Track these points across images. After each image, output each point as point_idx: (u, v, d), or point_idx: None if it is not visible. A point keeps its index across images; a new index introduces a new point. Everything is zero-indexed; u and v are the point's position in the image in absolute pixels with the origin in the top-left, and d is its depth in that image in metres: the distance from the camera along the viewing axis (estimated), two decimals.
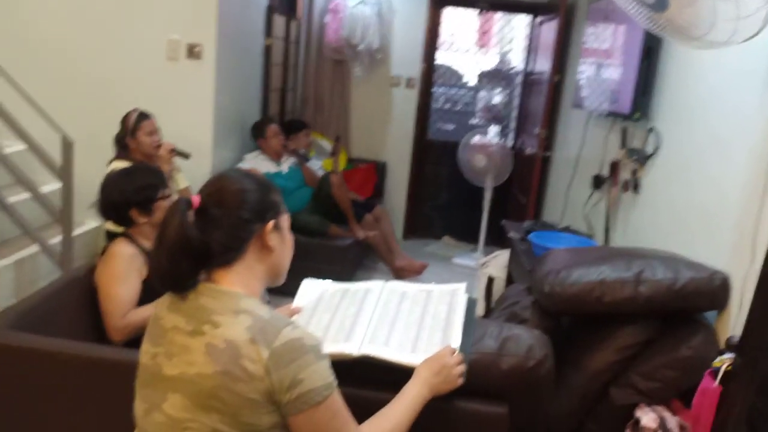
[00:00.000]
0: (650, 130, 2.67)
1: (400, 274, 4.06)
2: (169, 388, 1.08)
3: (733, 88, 2.03)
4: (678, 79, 2.53)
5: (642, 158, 2.70)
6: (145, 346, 1.16)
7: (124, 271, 1.85)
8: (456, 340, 1.40)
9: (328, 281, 1.63)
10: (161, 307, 1.17)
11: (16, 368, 1.52)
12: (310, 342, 1.08)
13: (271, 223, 1.17)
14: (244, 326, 1.06)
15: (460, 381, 1.32)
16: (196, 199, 1.12)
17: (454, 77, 6.57)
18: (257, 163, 3.79)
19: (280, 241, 1.20)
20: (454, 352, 1.33)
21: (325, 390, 1.06)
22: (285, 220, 1.23)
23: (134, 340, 1.78)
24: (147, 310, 1.83)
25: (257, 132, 3.91)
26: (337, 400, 1.09)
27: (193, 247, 1.08)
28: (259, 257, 1.17)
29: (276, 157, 3.94)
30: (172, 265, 1.08)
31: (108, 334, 1.82)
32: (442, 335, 1.41)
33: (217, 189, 1.15)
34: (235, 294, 1.11)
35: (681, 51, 2.50)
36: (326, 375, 1.08)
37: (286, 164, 4.03)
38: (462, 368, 1.32)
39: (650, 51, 2.68)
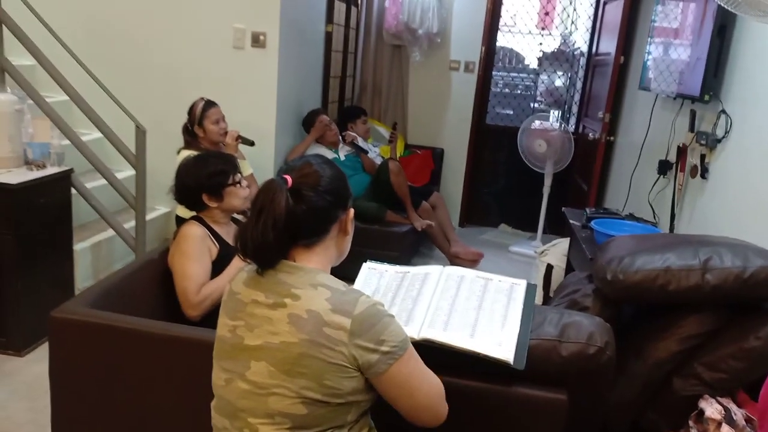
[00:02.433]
0: (721, 112, 2.56)
1: (455, 261, 4.07)
2: (252, 357, 1.14)
3: None
4: (752, 58, 2.41)
5: (712, 142, 2.60)
6: (223, 320, 1.23)
7: (197, 250, 1.95)
8: (515, 325, 1.40)
9: (388, 265, 1.66)
10: (237, 282, 1.23)
11: (96, 344, 1.61)
12: (381, 307, 1.16)
13: (352, 210, 1.27)
14: (323, 298, 1.13)
15: None
16: (289, 179, 1.17)
17: (514, 60, 6.44)
18: (314, 151, 3.86)
19: (353, 227, 1.30)
20: None
21: (405, 344, 1.16)
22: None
23: (206, 318, 1.88)
24: (219, 281, 1.93)
25: (308, 125, 3.96)
26: (413, 350, 1.19)
27: (293, 223, 1.15)
28: (336, 240, 1.26)
29: (332, 146, 4.00)
30: (275, 238, 1.14)
31: (184, 311, 1.91)
32: (501, 321, 1.42)
33: (309, 173, 1.20)
34: (311, 269, 1.19)
35: (756, 28, 2.38)
36: (401, 331, 1.17)
37: (343, 152, 4.08)
38: None
39: (723, 29, 2.56)
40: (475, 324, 1.41)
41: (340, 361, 1.10)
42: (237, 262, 1.99)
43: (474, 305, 1.47)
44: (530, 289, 1.53)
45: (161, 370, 1.60)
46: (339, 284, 1.18)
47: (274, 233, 1.14)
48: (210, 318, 1.82)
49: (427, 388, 1.20)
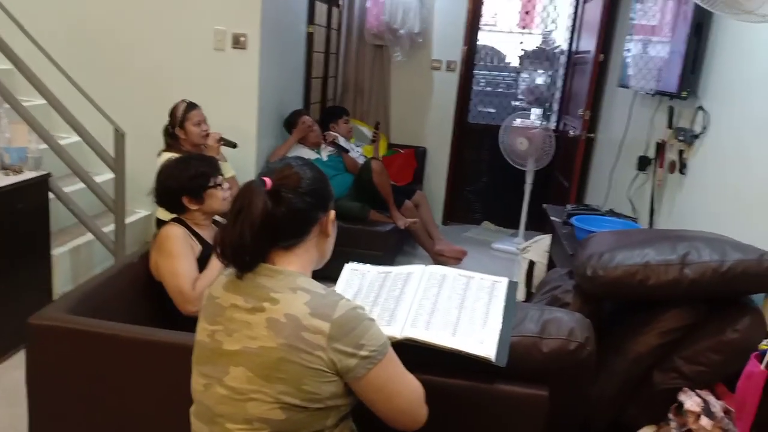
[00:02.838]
0: (699, 108, 2.59)
1: (439, 259, 4.08)
2: (230, 362, 1.14)
3: None
4: (729, 55, 2.45)
5: (689, 138, 2.63)
6: (202, 325, 1.22)
7: (181, 248, 1.95)
8: (497, 323, 1.41)
9: (370, 265, 1.66)
10: (216, 287, 1.22)
11: (75, 350, 1.59)
12: (361, 310, 1.16)
13: (333, 212, 1.26)
14: (302, 301, 1.12)
15: None
16: (268, 181, 1.17)
17: (495, 59, 6.48)
18: (296, 152, 3.85)
19: (334, 229, 1.29)
20: None
21: (384, 348, 1.16)
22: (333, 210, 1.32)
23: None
24: (211, 272, 1.93)
25: (290, 126, 3.95)
26: (393, 353, 1.19)
27: (270, 225, 1.15)
28: (317, 242, 1.26)
29: (314, 147, 3.99)
30: (252, 240, 1.14)
31: (182, 308, 1.90)
32: (483, 319, 1.42)
33: (288, 174, 1.20)
34: (291, 273, 1.18)
35: (733, 26, 2.41)
36: (381, 335, 1.17)
37: (325, 153, 4.07)
38: None
39: (700, 26, 2.60)
40: (457, 322, 1.42)
41: (318, 365, 1.10)
42: None
43: (456, 304, 1.48)
44: (511, 287, 1.54)
45: (142, 375, 1.59)
46: (318, 287, 1.17)
47: (252, 235, 1.13)
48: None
49: (406, 393, 1.20)
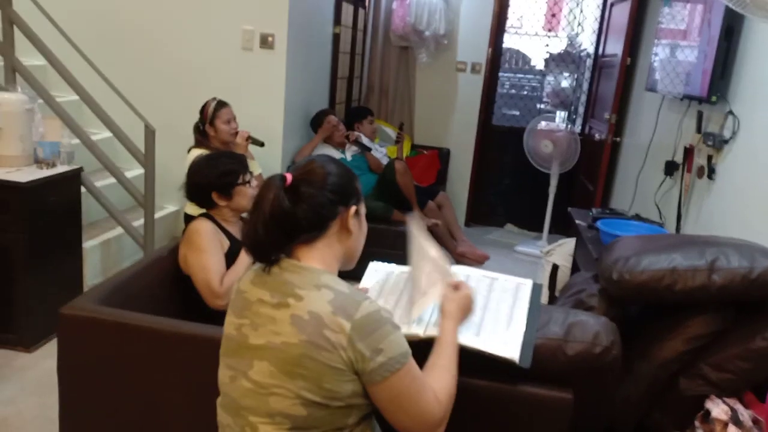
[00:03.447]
0: (728, 113, 2.56)
1: (461, 260, 4.08)
2: (255, 356, 1.15)
3: None
4: (760, 59, 2.41)
5: (719, 143, 2.59)
6: (230, 318, 1.24)
7: (210, 243, 1.98)
8: (521, 325, 1.41)
9: (394, 265, 1.67)
10: (245, 281, 1.24)
11: (105, 341, 1.63)
12: (386, 314, 1.15)
13: (353, 208, 1.25)
14: (326, 300, 1.13)
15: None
16: (288, 176, 1.20)
17: (521, 61, 6.45)
18: (321, 151, 3.87)
19: (358, 227, 1.29)
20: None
21: (403, 357, 1.13)
22: (363, 208, 1.32)
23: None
24: (238, 268, 1.97)
25: (316, 125, 3.98)
26: (414, 366, 1.16)
27: (284, 219, 1.16)
28: (339, 238, 1.25)
29: (340, 147, 4.02)
30: (265, 234, 1.16)
31: (210, 302, 1.94)
32: (507, 320, 1.42)
33: (308, 170, 1.22)
34: (316, 270, 1.18)
35: (763, 29, 2.38)
36: (403, 343, 1.15)
37: (350, 152, 4.09)
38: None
39: (730, 30, 2.56)
40: (480, 323, 1.42)
41: (338, 364, 1.10)
42: None
43: (480, 304, 1.48)
44: (536, 289, 1.54)
45: (169, 366, 1.62)
46: (343, 286, 1.17)
47: (264, 229, 1.15)
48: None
49: (415, 411, 1.15)
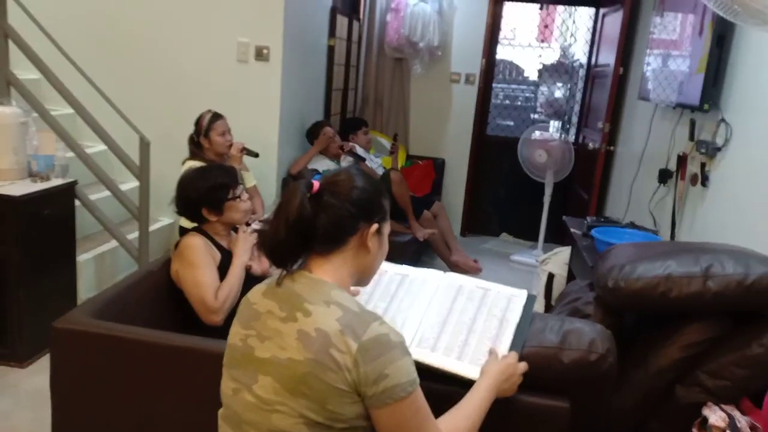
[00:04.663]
0: (721, 121, 2.58)
1: (454, 269, 4.08)
2: (260, 369, 1.13)
3: None
4: (752, 67, 2.43)
5: (712, 151, 2.61)
6: (235, 328, 1.22)
7: (203, 258, 1.95)
8: (505, 347, 1.41)
9: (387, 264, 1.64)
10: (256, 293, 1.23)
11: (99, 354, 1.61)
12: (396, 338, 1.11)
13: (375, 226, 1.21)
14: (334, 317, 1.10)
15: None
16: (316, 184, 1.18)
17: (514, 72, 6.50)
18: (317, 163, 3.88)
19: (378, 246, 1.24)
20: (517, 358, 1.37)
21: (410, 386, 1.09)
22: (387, 227, 1.27)
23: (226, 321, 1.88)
24: (230, 281, 1.95)
25: (311, 136, 3.98)
26: (419, 396, 1.12)
27: (304, 226, 1.15)
28: (356, 254, 1.21)
29: (335, 158, 4.02)
30: (286, 238, 1.15)
31: (205, 318, 1.90)
32: (491, 343, 1.42)
33: (336, 180, 1.20)
34: (328, 284, 1.16)
35: (755, 38, 2.40)
36: (411, 371, 1.11)
37: (345, 163, 4.10)
38: (521, 378, 1.36)
39: (721, 39, 2.58)
40: (464, 344, 1.41)
41: (343, 385, 1.07)
42: (238, 258, 2.01)
43: (468, 318, 1.47)
44: (529, 301, 1.53)
45: (164, 380, 1.60)
46: (353, 304, 1.14)
47: (286, 231, 1.14)
48: (228, 321, 1.83)
49: None
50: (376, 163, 4.45)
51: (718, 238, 2.40)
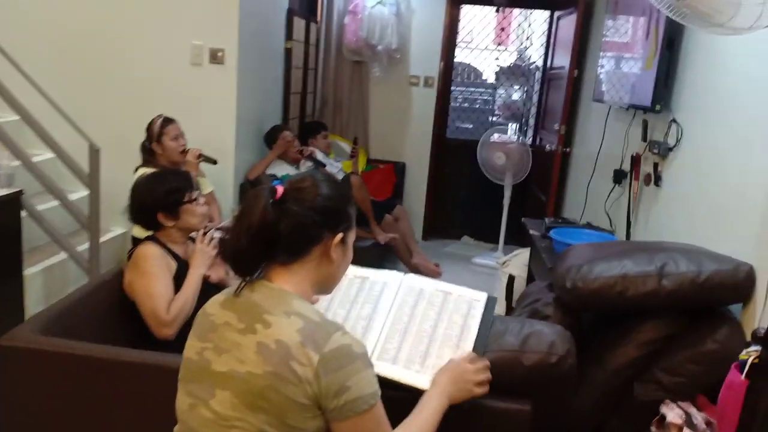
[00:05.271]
0: (672, 121, 2.64)
1: (415, 272, 4.08)
2: (217, 384, 1.09)
3: (759, 77, 2.00)
4: (701, 69, 2.50)
5: (664, 151, 2.67)
6: (191, 341, 1.18)
7: (157, 268, 1.89)
8: (467, 352, 1.40)
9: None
10: (213, 304, 1.19)
11: (46, 372, 1.55)
12: (358, 349, 1.09)
13: (339, 236, 1.18)
14: (294, 328, 1.07)
15: (484, 390, 1.33)
16: (280, 189, 1.14)
17: (472, 75, 6.56)
18: (276, 168, 3.82)
19: (342, 255, 1.21)
20: (474, 359, 1.35)
21: (371, 399, 1.08)
22: (352, 236, 1.24)
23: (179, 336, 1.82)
24: (185, 293, 1.88)
25: (270, 141, 3.93)
26: (381, 410, 1.10)
27: (267, 232, 1.11)
28: (319, 264, 1.18)
29: (294, 163, 3.98)
30: (248, 246, 1.11)
31: (157, 332, 1.84)
32: (452, 351, 1.41)
33: (301, 187, 1.16)
34: (288, 294, 1.13)
35: (704, 40, 2.46)
36: (373, 383, 1.09)
37: (304, 168, 4.06)
38: (487, 375, 1.34)
39: (672, 41, 2.65)
40: (425, 354, 1.41)
41: (303, 399, 1.04)
42: (195, 270, 1.95)
43: (428, 330, 1.46)
44: (489, 303, 1.53)
45: (117, 397, 1.55)
46: (314, 314, 1.11)
47: (248, 240, 1.11)
48: (182, 335, 1.77)
49: None
50: (336, 168, 4.41)
51: (671, 237, 2.45)
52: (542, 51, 5.36)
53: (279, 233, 1.11)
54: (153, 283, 1.87)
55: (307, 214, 1.13)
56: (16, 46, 2.91)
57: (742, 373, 1.38)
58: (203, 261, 1.98)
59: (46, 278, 3.01)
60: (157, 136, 2.93)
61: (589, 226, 3.25)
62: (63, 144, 2.94)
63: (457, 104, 5.92)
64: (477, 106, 6.10)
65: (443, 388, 1.28)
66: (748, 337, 1.62)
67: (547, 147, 4.71)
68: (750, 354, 1.38)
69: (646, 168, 2.90)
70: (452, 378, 1.30)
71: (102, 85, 3.51)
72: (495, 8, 5.31)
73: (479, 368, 1.33)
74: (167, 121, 2.97)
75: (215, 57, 3.46)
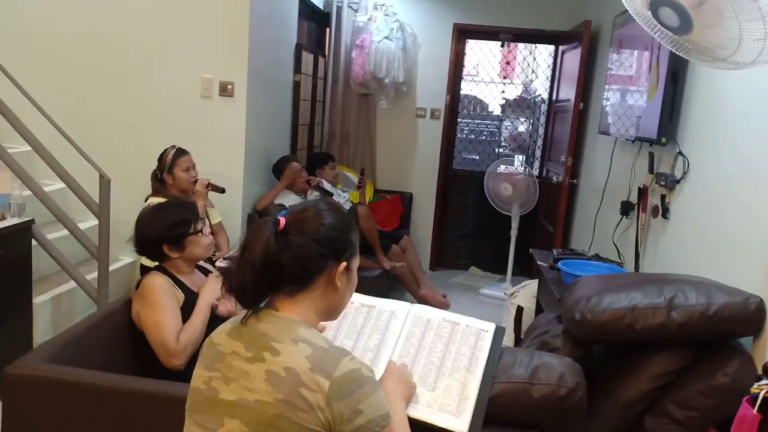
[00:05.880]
0: (678, 154, 2.65)
1: (423, 303, 4.06)
2: (226, 413, 1.09)
3: (761, 109, 2.02)
4: (705, 102, 2.52)
5: (671, 183, 2.68)
6: (199, 371, 1.18)
7: (165, 299, 1.89)
8: (473, 390, 1.40)
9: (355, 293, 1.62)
10: (220, 333, 1.19)
11: (54, 401, 1.55)
12: (367, 372, 1.10)
13: (343, 264, 1.19)
14: (303, 355, 1.07)
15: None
16: (282, 221, 1.14)
17: (478, 107, 6.62)
18: (284, 198, 3.85)
19: (347, 283, 1.22)
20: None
21: (383, 420, 1.08)
22: (356, 261, 1.25)
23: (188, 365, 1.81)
24: (194, 324, 1.88)
25: (278, 171, 3.97)
26: (393, 429, 1.11)
27: (271, 265, 1.11)
28: (324, 292, 1.18)
29: (302, 193, 4.01)
30: (254, 280, 1.11)
31: (166, 362, 1.83)
32: (461, 385, 1.40)
33: (305, 217, 1.16)
34: (295, 322, 1.13)
35: (707, 73, 2.49)
36: (384, 405, 1.10)
37: (312, 197, 4.08)
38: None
39: (675, 75, 2.68)
40: (433, 388, 1.40)
41: (315, 426, 1.04)
42: (204, 300, 1.95)
43: (435, 363, 1.45)
44: (498, 334, 1.52)
45: (124, 427, 1.54)
46: (321, 341, 1.12)
47: (253, 274, 1.11)
48: (192, 364, 1.76)
49: None
50: (343, 198, 4.44)
51: (680, 269, 2.44)
52: (547, 84, 5.42)
53: (282, 266, 1.12)
54: (161, 314, 1.87)
55: (309, 245, 1.14)
56: (28, 79, 2.98)
57: (753, 407, 1.36)
58: (214, 291, 1.98)
59: (55, 307, 3.02)
60: (169, 167, 2.97)
61: (597, 257, 3.24)
62: (74, 174, 2.98)
63: (464, 135, 5.97)
64: (483, 137, 6.14)
65: (395, 392, 1.29)
66: (759, 371, 1.61)
67: (554, 178, 4.72)
68: (761, 387, 1.36)
69: (654, 200, 2.90)
70: (397, 379, 1.33)
71: (113, 117, 3.57)
72: (500, 43, 5.39)
73: (405, 365, 1.42)
74: (180, 152, 3.01)
75: (225, 90, 3.52)
